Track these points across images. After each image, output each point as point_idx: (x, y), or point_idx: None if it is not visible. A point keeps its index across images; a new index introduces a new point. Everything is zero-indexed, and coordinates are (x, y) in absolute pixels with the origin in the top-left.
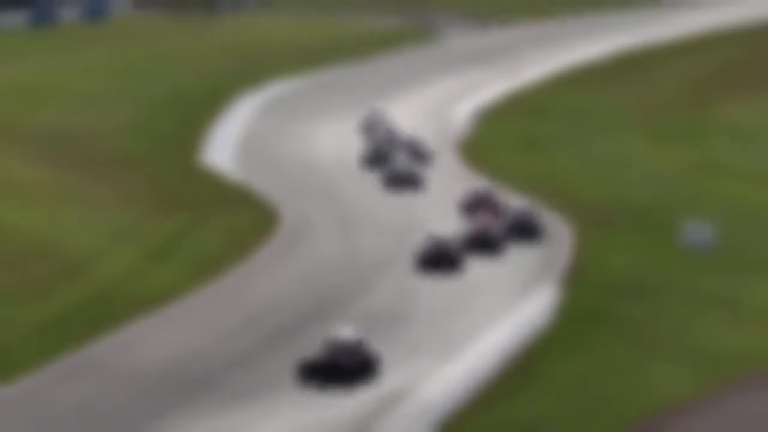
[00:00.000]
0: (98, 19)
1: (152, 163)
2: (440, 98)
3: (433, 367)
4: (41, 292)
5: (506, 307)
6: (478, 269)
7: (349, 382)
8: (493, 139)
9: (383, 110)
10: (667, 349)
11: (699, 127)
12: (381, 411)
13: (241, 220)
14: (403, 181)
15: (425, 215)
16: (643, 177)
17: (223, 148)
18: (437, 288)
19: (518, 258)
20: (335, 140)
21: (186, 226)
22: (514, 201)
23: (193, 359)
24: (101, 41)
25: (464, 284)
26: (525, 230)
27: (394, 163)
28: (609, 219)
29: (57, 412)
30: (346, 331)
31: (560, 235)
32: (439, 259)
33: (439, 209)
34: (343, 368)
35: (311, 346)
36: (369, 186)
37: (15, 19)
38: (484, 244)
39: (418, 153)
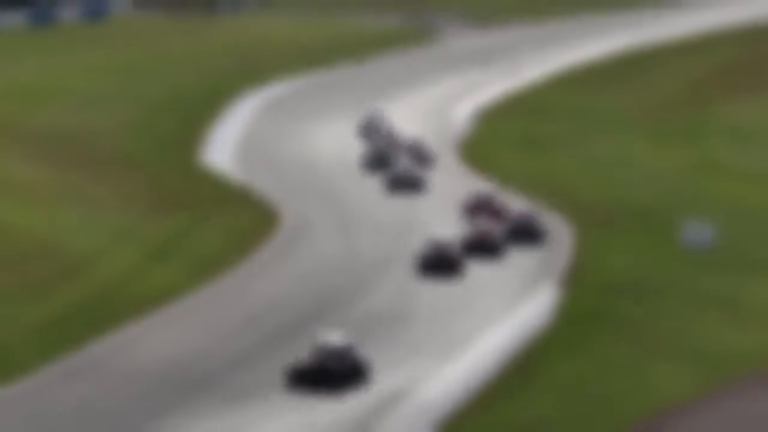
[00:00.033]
0: (98, 19)
1: (152, 163)
2: (440, 98)
3: (431, 368)
4: (41, 292)
5: (506, 311)
6: (478, 273)
7: (339, 387)
8: (493, 139)
9: (381, 112)
10: (667, 349)
11: (699, 127)
12: (381, 411)
13: (241, 220)
14: (406, 184)
15: (427, 218)
16: (643, 177)
17: (223, 148)
18: (437, 291)
19: (519, 261)
20: (335, 140)
21: (186, 226)
22: (516, 204)
23: (193, 359)
24: (101, 41)
25: (464, 288)
26: (526, 233)
27: (396, 166)
28: (609, 219)
29: (57, 412)
30: (335, 336)
31: (560, 236)
32: (440, 263)
33: (441, 212)
34: (332, 373)
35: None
36: (369, 186)
37: (15, 19)
38: (484, 247)
39: (420, 156)
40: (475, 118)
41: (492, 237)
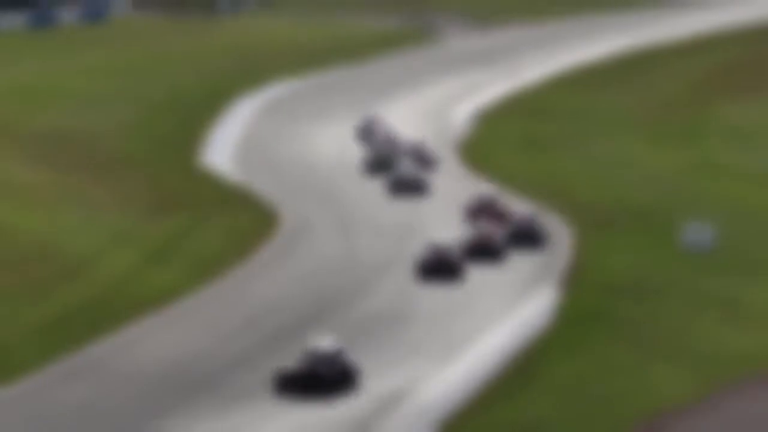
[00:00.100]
0: (98, 20)
1: (152, 164)
2: (440, 99)
3: (429, 369)
4: (41, 293)
5: (506, 314)
6: (479, 277)
7: (328, 393)
8: (492, 140)
9: (379, 115)
10: (666, 349)
11: (699, 127)
12: (380, 412)
13: (240, 221)
14: (409, 187)
15: (429, 221)
16: (644, 178)
17: (223, 149)
18: (436, 293)
19: (520, 265)
20: (335, 141)
21: (185, 227)
22: (518, 207)
23: (192, 360)
24: (101, 42)
25: (464, 292)
26: (528, 237)
27: (399, 168)
28: (609, 220)
29: (57, 412)
30: (325, 341)
31: (560, 236)
32: (440, 267)
33: (444, 215)
34: (322, 379)
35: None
36: (371, 188)
37: (14, 21)
38: (485, 251)
39: (423, 159)
40: (475, 119)
41: (493, 241)
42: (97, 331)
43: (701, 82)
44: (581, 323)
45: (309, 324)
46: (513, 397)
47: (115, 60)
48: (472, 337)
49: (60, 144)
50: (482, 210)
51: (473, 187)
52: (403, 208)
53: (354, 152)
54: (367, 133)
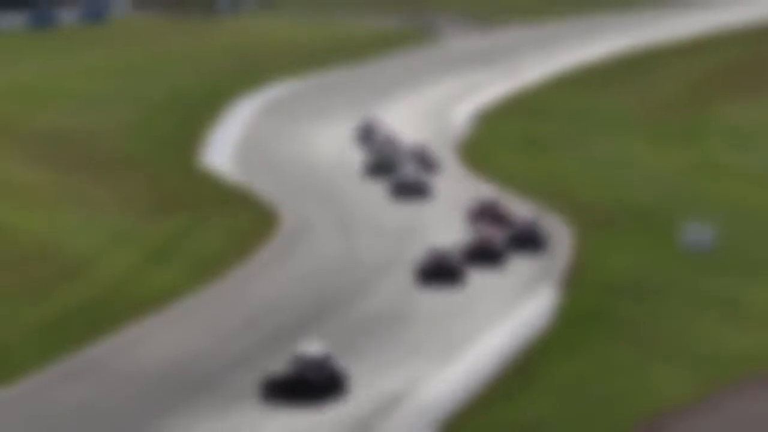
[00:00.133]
0: (98, 20)
1: (152, 164)
2: (440, 99)
3: (429, 370)
4: (41, 293)
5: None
6: (479, 281)
7: (316, 398)
8: (493, 140)
9: (378, 117)
10: (666, 349)
11: (699, 127)
12: (382, 412)
13: (240, 221)
14: (411, 190)
15: (432, 224)
16: (644, 178)
17: (223, 149)
18: (436, 297)
19: (521, 269)
20: (335, 142)
21: (185, 227)
22: (520, 211)
23: (193, 360)
24: (101, 42)
25: (464, 296)
26: (529, 241)
27: (401, 171)
28: (609, 220)
29: (57, 412)
30: (313, 346)
31: (560, 237)
32: (440, 272)
33: (447, 219)
34: (310, 384)
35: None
36: (372, 191)
37: (15, 21)
38: (486, 255)
39: (425, 161)
40: (475, 119)
41: (493, 244)
42: (97, 331)
43: (701, 82)
44: (581, 323)
45: (309, 324)
46: (513, 397)
47: (115, 60)
48: (471, 338)
49: (60, 144)
50: (484, 213)
51: (476, 190)
52: (406, 211)
53: (354, 152)
54: (366, 135)
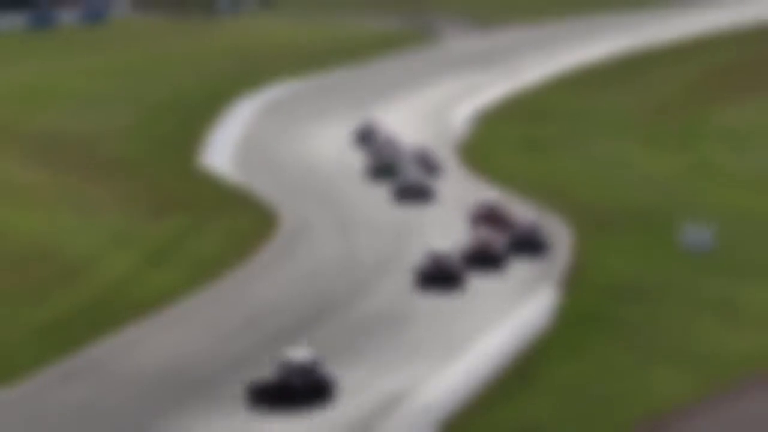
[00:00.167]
0: (98, 21)
1: (151, 165)
2: (440, 100)
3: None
4: (41, 294)
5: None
6: (479, 286)
7: (302, 404)
8: (492, 141)
9: (377, 119)
10: (666, 350)
11: (697, 129)
12: (382, 413)
13: (240, 222)
14: (415, 193)
15: (435, 228)
16: (643, 179)
17: (223, 150)
18: (435, 301)
19: (521, 273)
20: (335, 143)
21: (185, 228)
22: (521, 214)
23: (192, 361)
24: (101, 44)
25: (464, 301)
26: (529, 245)
27: (404, 175)
28: (608, 221)
29: (57, 413)
30: (300, 352)
31: (560, 237)
32: (439, 276)
33: (450, 222)
34: (296, 390)
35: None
36: (374, 193)
37: (14, 22)
38: (486, 259)
39: (428, 164)
40: (475, 120)
41: (494, 248)
42: (97, 331)
43: (699, 83)
44: (581, 324)
45: (309, 325)
46: (513, 398)
47: (115, 61)
48: (472, 338)
49: (60, 145)
50: (487, 216)
51: (479, 193)
52: (408, 214)
53: (354, 153)
54: (366, 137)
